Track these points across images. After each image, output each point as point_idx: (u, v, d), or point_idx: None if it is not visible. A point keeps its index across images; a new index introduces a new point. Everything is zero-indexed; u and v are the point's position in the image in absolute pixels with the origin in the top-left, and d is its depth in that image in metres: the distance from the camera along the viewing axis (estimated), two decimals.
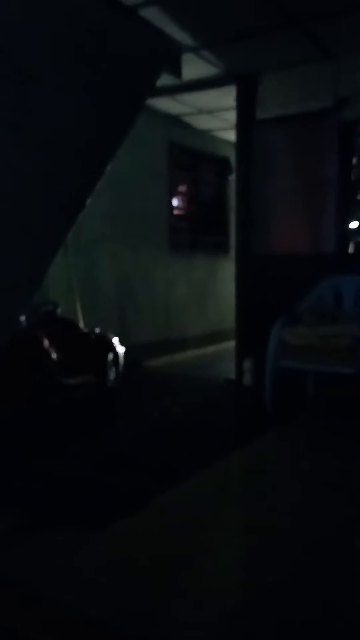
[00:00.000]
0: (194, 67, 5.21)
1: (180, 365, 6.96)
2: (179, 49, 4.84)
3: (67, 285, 5.50)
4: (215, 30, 4.58)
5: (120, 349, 5.30)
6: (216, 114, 6.88)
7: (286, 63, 5.17)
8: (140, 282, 6.83)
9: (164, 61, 4.41)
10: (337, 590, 2.20)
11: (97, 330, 5.25)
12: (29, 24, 2.65)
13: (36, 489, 3.12)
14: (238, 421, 4.73)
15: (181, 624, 1.98)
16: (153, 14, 4.21)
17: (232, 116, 5.85)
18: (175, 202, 7.63)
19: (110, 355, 5.17)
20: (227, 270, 7.45)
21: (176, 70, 5.12)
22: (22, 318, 4.43)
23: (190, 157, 7.72)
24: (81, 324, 5.40)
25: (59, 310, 4.97)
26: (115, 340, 5.29)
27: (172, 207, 7.50)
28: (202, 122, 7.30)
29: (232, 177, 6.96)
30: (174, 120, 7.07)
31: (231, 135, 6.33)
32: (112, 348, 5.21)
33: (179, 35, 4.59)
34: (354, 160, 5.40)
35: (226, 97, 5.80)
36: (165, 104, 6.42)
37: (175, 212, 7.66)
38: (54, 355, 4.47)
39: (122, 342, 5.36)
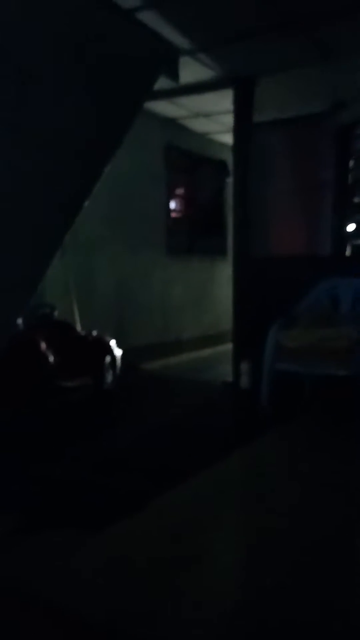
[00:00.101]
0: (191, 70, 5.22)
1: (178, 368, 6.95)
2: (176, 52, 4.85)
3: (64, 287, 5.49)
4: (212, 32, 4.58)
5: (118, 352, 5.30)
6: (213, 117, 6.89)
7: (284, 66, 5.17)
8: (137, 285, 6.82)
9: (162, 63, 4.42)
10: (336, 590, 2.20)
11: (94, 332, 5.25)
12: (29, 24, 2.65)
13: (34, 491, 3.12)
14: (236, 423, 4.73)
15: (180, 625, 1.97)
16: (150, 17, 4.22)
17: (229, 119, 5.86)
18: (172, 204, 7.63)
19: (108, 358, 5.17)
20: (224, 273, 7.46)
21: (173, 73, 5.14)
22: (20, 321, 4.43)
23: (188, 160, 7.73)
24: (78, 327, 5.40)
25: (56, 313, 4.97)
26: (113, 342, 5.28)
27: (169, 210, 7.51)
28: (200, 125, 7.31)
29: (230, 180, 6.97)
30: (172, 123, 7.08)
31: (228, 138, 6.34)
32: (110, 351, 5.21)
33: (176, 38, 4.60)
34: (351, 163, 5.43)
35: (223, 100, 5.81)
36: (162, 107, 6.44)
37: (173, 214, 7.67)
38: (51, 358, 4.46)
39: (119, 345, 5.36)
